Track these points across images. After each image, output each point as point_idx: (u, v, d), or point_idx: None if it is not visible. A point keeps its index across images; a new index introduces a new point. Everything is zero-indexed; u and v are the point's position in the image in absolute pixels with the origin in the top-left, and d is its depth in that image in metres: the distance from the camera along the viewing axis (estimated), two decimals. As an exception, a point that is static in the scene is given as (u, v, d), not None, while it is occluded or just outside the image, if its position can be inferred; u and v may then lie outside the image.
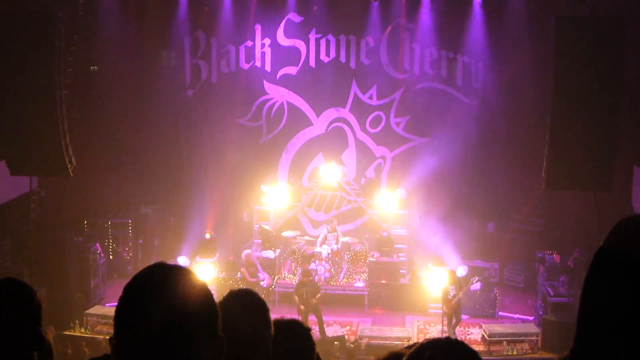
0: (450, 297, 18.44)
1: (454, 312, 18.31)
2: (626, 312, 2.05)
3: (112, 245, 22.22)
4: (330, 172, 22.23)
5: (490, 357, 16.83)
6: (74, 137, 17.99)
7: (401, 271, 20.97)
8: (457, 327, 18.61)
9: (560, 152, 16.11)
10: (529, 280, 21.64)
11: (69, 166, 17.42)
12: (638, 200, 16.97)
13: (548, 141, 16.21)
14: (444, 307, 18.21)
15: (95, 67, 22.65)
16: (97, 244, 20.58)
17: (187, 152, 23.12)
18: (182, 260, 20.15)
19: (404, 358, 2.54)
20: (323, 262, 20.70)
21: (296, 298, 18.44)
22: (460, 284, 18.76)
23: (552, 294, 18.49)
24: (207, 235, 21.42)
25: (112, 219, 22.29)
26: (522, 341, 17.91)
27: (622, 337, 2.06)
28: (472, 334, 18.84)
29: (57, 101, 17.18)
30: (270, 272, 20.62)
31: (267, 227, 21.85)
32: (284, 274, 21.24)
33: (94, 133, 21.71)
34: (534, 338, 17.87)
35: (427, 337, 16.91)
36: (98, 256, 20.26)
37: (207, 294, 2.09)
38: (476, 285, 19.69)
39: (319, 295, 18.38)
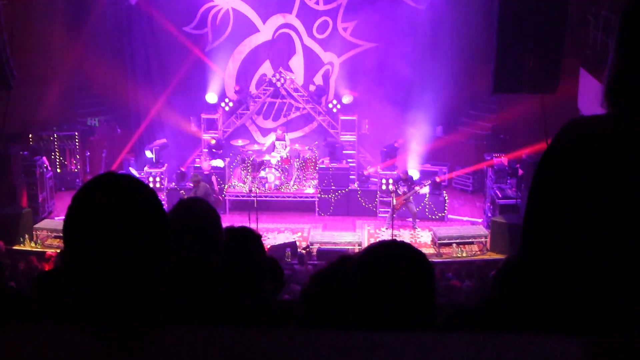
0: (401, 193, 18.92)
1: (403, 205, 18.87)
2: (570, 212, 2.08)
3: (59, 159, 21.94)
4: (278, 79, 22.08)
5: (440, 260, 17.20)
6: (14, 50, 17.46)
7: (350, 177, 21.13)
8: (415, 221, 19.20)
9: (508, 56, 16.15)
10: (477, 184, 22.01)
11: (10, 79, 16.96)
12: (584, 102, 17.19)
13: (495, 45, 16.21)
14: (394, 200, 18.69)
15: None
16: (44, 158, 20.28)
17: (131, 62, 22.68)
18: (132, 171, 20.01)
19: (353, 261, 2.56)
20: (273, 170, 20.74)
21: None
22: (412, 185, 19.28)
23: (500, 196, 18.85)
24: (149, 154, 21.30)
25: (57, 131, 21.94)
26: (472, 243, 18.32)
27: (566, 236, 2.09)
28: (422, 237, 19.21)
29: (-6, 11, 16.60)
30: (220, 181, 20.63)
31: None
32: (234, 182, 21.28)
33: (35, 45, 21.10)
34: (482, 240, 18.29)
35: (377, 240, 17.08)
36: (45, 170, 19.99)
37: (156, 204, 2.06)
38: (425, 189, 20.00)
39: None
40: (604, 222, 2.02)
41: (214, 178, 20.11)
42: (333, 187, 20.66)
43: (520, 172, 19.35)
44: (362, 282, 2.48)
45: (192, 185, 19.11)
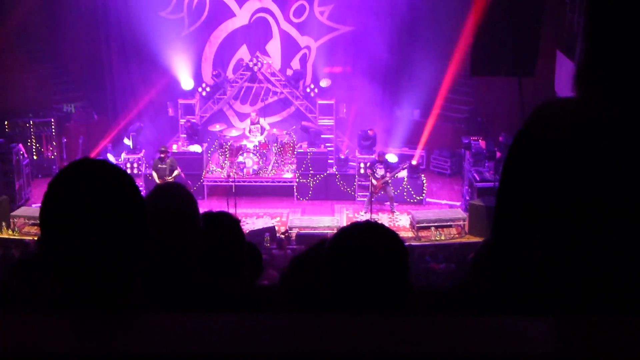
0: (379, 177, 18.99)
1: (382, 189, 18.94)
2: (539, 195, 2.10)
3: (35, 145, 21.77)
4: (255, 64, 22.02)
5: (419, 243, 17.28)
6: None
7: (329, 161, 21.15)
8: (393, 204, 19.26)
9: (485, 39, 16.19)
10: (455, 167, 22.10)
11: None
12: (560, 85, 17.28)
13: (474, 28, 16.24)
14: (373, 181, 18.78)
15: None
16: (20, 145, 20.12)
17: (107, 48, 22.50)
18: (109, 158, 19.92)
19: (327, 242, 2.57)
20: (251, 155, 20.70)
21: (154, 174, 18.57)
22: (390, 168, 19.34)
23: (478, 179, 18.94)
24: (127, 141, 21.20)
25: (33, 118, 21.74)
26: (450, 226, 18.41)
27: (536, 219, 2.11)
28: (400, 221, 19.28)
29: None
30: (199, 166, 20.58)
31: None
32: (212, 167, 21.23)
33: (8, 31, 20.88)
34: (461, 223, 18.39)
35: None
36: (21, 157, 19.84)
37: (133, 189, 2.06)
38: (403, 172, 20.06)
39: (176, 172, 18.43)
40: (573, 204, 2.05)
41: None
42: (311, 172, 20.67)
43: (498, 154, 19.44)
44: (333, 263, 2.49)
45: (160, 154, 18.89)
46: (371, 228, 2.54)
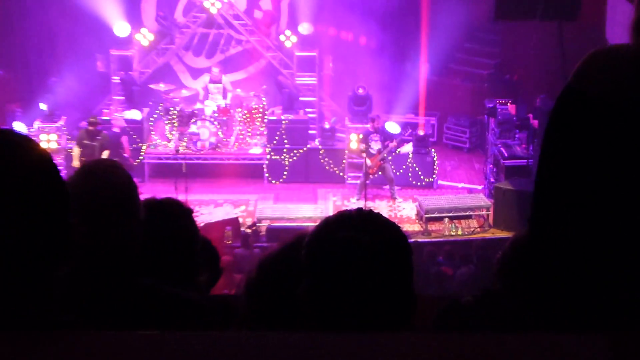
0: (375, 152, 18.93)
1: (379, 168, 18.90)
2: (595, 173, 2.08)
3: None
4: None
5: (428, 239, 17.30)
6: None
7: (310, 131, 21.13)
8: (394, 189, 19.28)
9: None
10: (476, 139, 22.12)
11: None
12: (613, 31, 17.32)
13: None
14: (366, 162, 18.70)
15: None
16: None
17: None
18: (17, 126, 19.78)
19: (307, 237, 2.56)
20: (207, 123, 20.63)
21: (76, 151, 18.45)
22: (390, 140, 19.30)
23: (506, 155, 18.97)
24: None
25: None
26: (469, 217, 18.45)
27: (591, 206, 2.09)
28: (404, 210, 19.31)
29: None
30: (137, 138, 20.50)
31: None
32: (156, 140, 21.18)
33: None
34: (483, 212, 18.43)
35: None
36: None
37: (50, 169, 2.05)
38: (407, 147, 20.06)
39: (105, 153, 18.17)
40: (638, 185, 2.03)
41: (124, 139, 19.90)
42: (287, 146, 20.64)
43: (534, 123, 19.45)
44: (315, 265, 2.48)
45: (88, 127, 18.70)
46: (364, 218, 2.53)
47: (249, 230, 17.26)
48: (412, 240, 15.46)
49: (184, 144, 20.42)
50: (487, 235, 17.62)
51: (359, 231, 2.45)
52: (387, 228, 2.50)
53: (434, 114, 22.22)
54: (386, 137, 19.59)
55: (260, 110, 21.20)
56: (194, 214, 3.86)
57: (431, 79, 22.42)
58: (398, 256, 2.48)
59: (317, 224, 2.60)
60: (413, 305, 2.51)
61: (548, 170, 2.16)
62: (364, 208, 2.62)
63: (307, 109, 21.56)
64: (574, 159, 2.10)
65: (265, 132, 21.00)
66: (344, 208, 18.95)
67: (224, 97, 21.26)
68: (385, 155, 19.31)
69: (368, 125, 20.08)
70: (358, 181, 19.74)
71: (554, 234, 2.15)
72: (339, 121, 21.58)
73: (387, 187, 19.75)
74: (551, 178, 2.15)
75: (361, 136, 19.68)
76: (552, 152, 2.16)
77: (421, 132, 20.89)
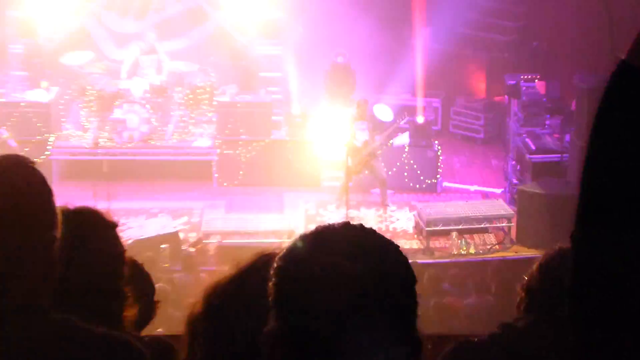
0: (360, 144, 18.91)
1: (365, 166, 18.87)
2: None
3: None
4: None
5: (430, 260, 17.31)
6: None
7: (274, 118, 21.13)
8: (386, 194, 19.28)
9: None
10: (493, 127, 22.19)
11: None
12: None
13: None
14: (349, 158, 18.66)
15: None
16: None
17: None
18: None
19: (275, 260, 2.54)
20: (136, 107, 20.58)
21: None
22: (380, 129, 19.28)
23: (533, 147, 19.01)
24: None
25: None
26: (484, 230, 18.47)
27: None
28: (398, 221, 19.35)
29: None
30: (42, 127, 20.45)
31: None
32: (68, 129, 21.12)
33: None
34: (503, 224, 18.47)
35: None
36: None
37: None
38: (402, 138, 20.09)
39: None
40: None
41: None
42: (244, 137, 20.63)
43: (570, 105, 19.50)
44: (287, 300, 2.47)
45: None
46: (354, 238, 2.50)
47: (192, 250, 17.25)
48: (409, 261, 15.44)
49: (106, 134, 20.37)
50: (509, 254, 17.66)
51: (346, 256, 2.42)
52: (384, 252, 2.49)
53: (438, 94, 22.31)
54: (375, 125, 19.60)
55: (208, 89, 21.17)
56: (118, 228, 3.85)
57: (434, 47, 22.50)
58: (399, 291, 2.47)
59: (288, 243, 2.56)
60: (416, 353, 2.49)
61: (600, 168, 2.16)
62: (351, 222, 2.58)
63: (270, 88, 21.56)
64: (634, 153, 2.10)
65: (214, 119, 20.99)
66: (321, 220, 19.03)
67: (159, 72, 21.22)
68: (373, 148, 19.30)
69: (351, 110, 20.10)
70: (338, 183, 19.75)
71: (606, 254, 2.14)
72: (312, 104, 21.58)
73: (377, 190, 19.78)
74: (604, 179, 2.15)
75: (342, 124, 19.69)
76: (605, 144, 2.15)
77: (420, 119, 20.92)
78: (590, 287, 2.17)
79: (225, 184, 20.68)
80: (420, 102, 21.84)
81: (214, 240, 17.86)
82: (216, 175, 20.71)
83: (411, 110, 21.22)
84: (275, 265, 2.49)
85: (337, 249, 2.44)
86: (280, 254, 2.52)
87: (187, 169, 20.85)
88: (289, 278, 2.45)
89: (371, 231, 2.53)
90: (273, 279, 2.48)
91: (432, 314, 13.25)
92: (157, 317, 4.48)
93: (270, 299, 2.48)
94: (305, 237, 2.52)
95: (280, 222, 18.58)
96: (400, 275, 2.46)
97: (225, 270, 3.25)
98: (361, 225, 2.54)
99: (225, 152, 20.68)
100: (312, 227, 2.57)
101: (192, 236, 18.32)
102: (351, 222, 2.54)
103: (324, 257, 2.42)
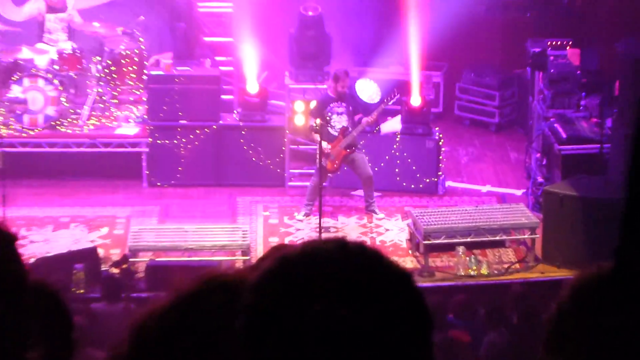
0: (337, 132, 18.93)
1: (344, 160, 18.92)
2: None
3: None
4: None
5: (429, 283, 17.39)
6: None
7: (223, 97, 21.18)
8: (373, 197, 19.32)
9: None
10: (511, 109, 22.31)
11: None
12: None
13: None
14: (321, 149, 18.68)
15: None
16: None
17: None
18: None
19: (246, 291, 2.54)
20: (41, 83, 20.60)
21: None
22: (364, 111, 19.31)
23: (564, 136, 19.11)
24: None
25: None
26: (500, 244, 18.56)
27: None
28: (388, 232, 19.43)
29: None
30: None
31: None
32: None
33: None
34: (525, 236, 18.55)
35: (291, 240, 17.00)
36: None
37: None
38: (392, 123, 20.17)
39: None
40: None
41: None
42: (183, 122, 20.68)
43: (611, 81, 19.60)
44: (266, 347, 2.48)
45: None
46: (353, 267, 2.50)
47: (116, 271, 17.28)
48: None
49: (0, 118, 20.39)
50: (532, 275, 17.78)
51: (344, 299, 2.40)
52: (394, 291, 2.48)
53: (439, 65, 22.39)
54: (357, 106, 19.63)
55: (136, 59, 21.21)
56: (17, 242, 3.86)
57: (434, 5, 22.58)
58: (410, 344, 2.47)
59: (266, 268, 2.52)
60: None
61: None
62: (350, 240, 2.57)
63: (218, 58, 21.61)
64: None
65: (144, 98, 21.01)
66: (285, 231, 19.07)
67: (71, 37, 21.23)
68: (355, 137, 19.33)
69: (325, 87, 20.14)
70: (308, 183, 19.80)
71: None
72: (274, 79, 21.65)
73: (359, 192, 19.83)
74: None
75: (314, 105, 19.69)
76: None
77: (416, 99, 20.98)
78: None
79: (158, 184, 20.73)
80: (416, 76, 21.86)
81: (144, 259, 17.88)
82: (147, 172, 20.75)
83: (404, 88, 21.28)
84: (247, 300, 2.48)
85: (330, 287, 2.43)
86: (253, 285, 2.50)
87: (108, 164, 20.87)
88: (266, 323, 2.44)
89: (375, 256, 2.52)
90: (245, 317, 2.47)
91: (437, 352, 13.32)
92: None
93: (241, 340, 2.48)
94: (288, 259, 2.49)
95: (231, 234, 18.58)
96: (413, 322, 2.47)
97: (159, 298, 3.25)
98: (361, 247, 2.53)
99: (158, 142, 20.70)
100: (275, 240, 2.58)
101: (116, 253, 18.34)
102: (346, 241, 2.51)
103: (314, 298, 2.40)
